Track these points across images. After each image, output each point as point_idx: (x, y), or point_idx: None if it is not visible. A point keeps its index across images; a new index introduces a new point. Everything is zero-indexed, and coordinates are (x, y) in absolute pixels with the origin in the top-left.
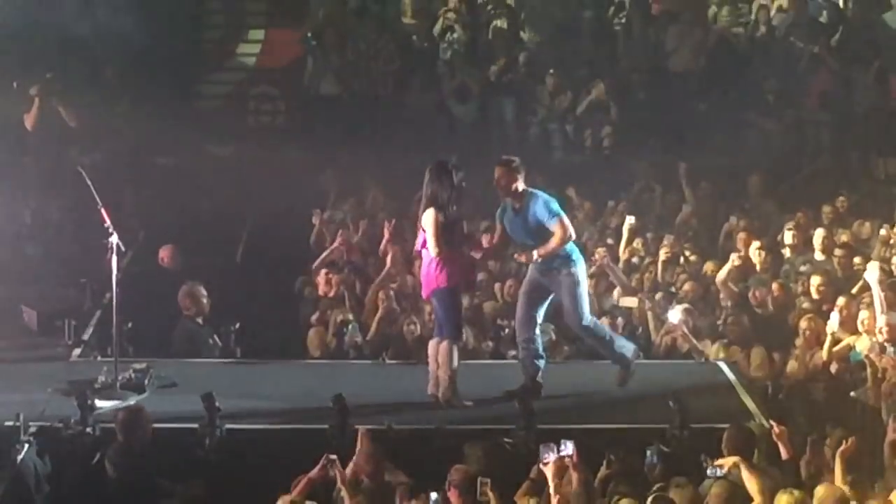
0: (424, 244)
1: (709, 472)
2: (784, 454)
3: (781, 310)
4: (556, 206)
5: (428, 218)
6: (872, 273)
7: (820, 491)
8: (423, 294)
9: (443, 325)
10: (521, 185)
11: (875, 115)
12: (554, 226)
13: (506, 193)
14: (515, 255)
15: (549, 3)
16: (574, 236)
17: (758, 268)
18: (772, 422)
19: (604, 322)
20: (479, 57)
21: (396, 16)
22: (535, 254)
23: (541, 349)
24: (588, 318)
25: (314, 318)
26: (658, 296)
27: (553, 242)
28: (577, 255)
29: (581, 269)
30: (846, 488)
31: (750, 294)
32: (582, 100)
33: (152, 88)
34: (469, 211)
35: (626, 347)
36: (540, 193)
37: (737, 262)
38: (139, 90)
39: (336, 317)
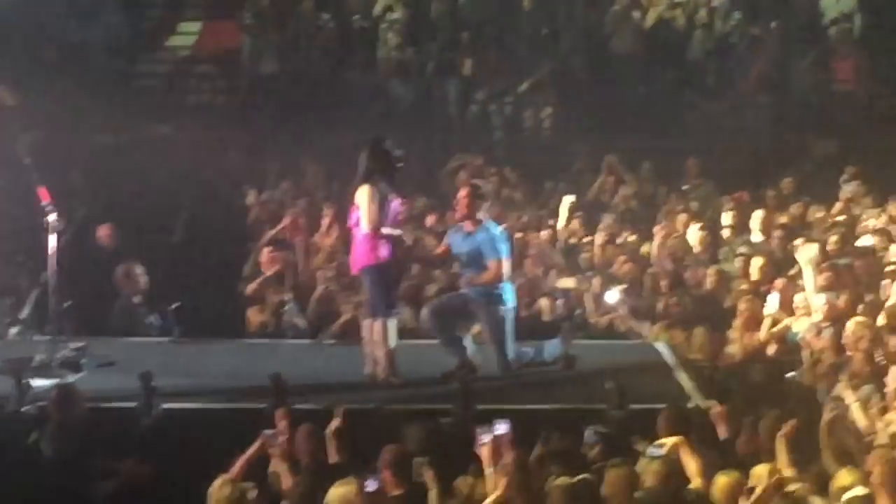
0: (358, 221)
1: (649, 451)
2: (722, 434)
3: (718, 291)
4: (502, 246)
5: (362, 194)
6: (805, 253)
7: (757, 471)
8: (353, 270)
9: (375, 303)
10: (481, 214)
11: (814, 98)
12: (491, 263)
13: (464, 216)
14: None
15: None
16: (505, 278)
17: (696, 249)
18: (712, 401)
19: (544, 303)
20: (419, 36)
21: None
22: (462, 282)
23: (465, 341)
24: (510, 357)
25: (251, 290)
26: (596, 277)
27: (483, 277)
28: (509, 296)
29: (509, 313)
30: (789, 471)
31: (686, 275)
32: (523, 81)
33: (91, 68)
34: (409, 190)
35: (554, 346)
36: (493, 227)
37: (663, 239)
38: (78, 69)
39: (275, 296)
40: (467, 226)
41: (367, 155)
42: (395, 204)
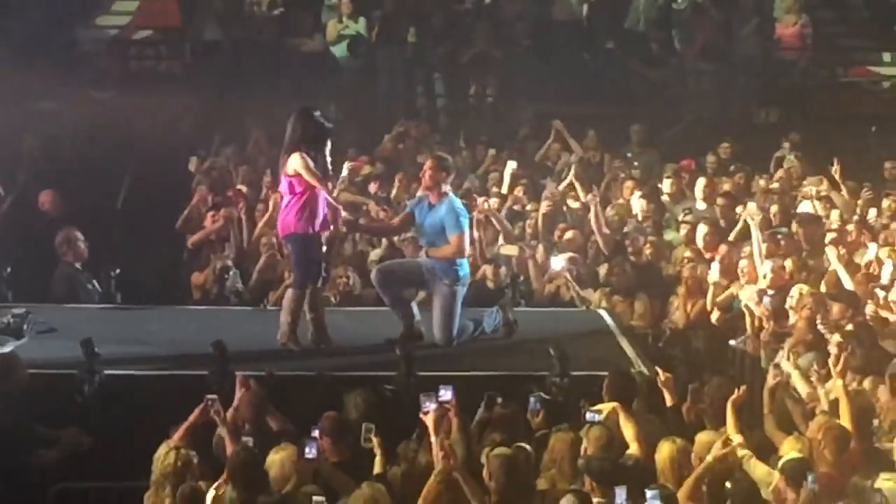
0: (289, 188)
1: (587, 416)
2: (668, 401)
3: (659, 259)
4: (464, 220)
5: (295, 162)
6: (752, 213)
7: (701, 438)
8: (280, 235)
9: (293, 270)
10: (446, 187)
11: (757, 65)
12: (453, 237)
13: (429, 187)
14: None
15: None
16: (466, 254)
17: (639, 216)
18: (657, 368)
19: (486, 270)
20: (365, 3)
21: None
22: (422, 253)
23: (415, 308)
24: (455, 333)
25: (193, 242)
26: (540, 244)
27: (443, 251)
28: (464, 273)
29: (461, 288)
30: (738, 436)
31: (627, 242)
32: (465, 49)
33: (32, 33)
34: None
35: (492, 318)
36: (456, 201)
37: (601, 205)
38: (20, 35)
39: (217, 263)
40: (432, 197)
41: (295, 123)
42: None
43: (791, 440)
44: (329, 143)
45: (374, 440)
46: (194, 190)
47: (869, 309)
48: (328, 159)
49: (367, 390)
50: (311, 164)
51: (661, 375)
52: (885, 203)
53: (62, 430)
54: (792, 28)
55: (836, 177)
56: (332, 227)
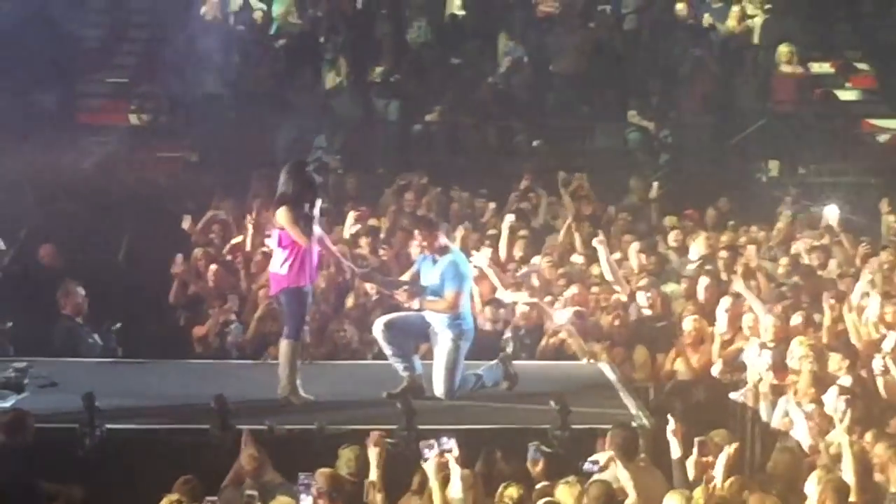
0: (279, 242)
1: (585, 466)
2: (676, 453)
3: (664, 312)
4: (464, 277)
5: (281, 215)
6: (739, 284)
7: (697, 494)
8: (271, 291)
9: (287, 323)
10: (441, 241)
11: (757, 119)
12: (448, 292)
13: (430, 250)
14: (396, 293)
15: (430, 3)
16: (459, 311)
17: (636, 270)
18: (670, 417)
19: (486, 310)
20: (363, 57)
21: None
22: (416, 303)
23: (416, 361)
24: (456, 387)
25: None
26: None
27: (437, 304)
28: (468, 327)
29: (465, 343)
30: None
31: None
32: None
33: (33, 86)
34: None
35: (493, 371)
36: (457, 256)
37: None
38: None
39: (220, 316)
40: (435, 255)
41: (285, 177)
42: (318, 228)
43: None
44: (318, 200)
45: (378, 497)
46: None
47: (878, 364)
48: (316, 214)
49: (360, 446)
50: (295, 215)
51: (674, 426)
52: (884, 256)
53: (63, 484)
54: (790, 79)
55: (836, 228)
56: (340, 279)
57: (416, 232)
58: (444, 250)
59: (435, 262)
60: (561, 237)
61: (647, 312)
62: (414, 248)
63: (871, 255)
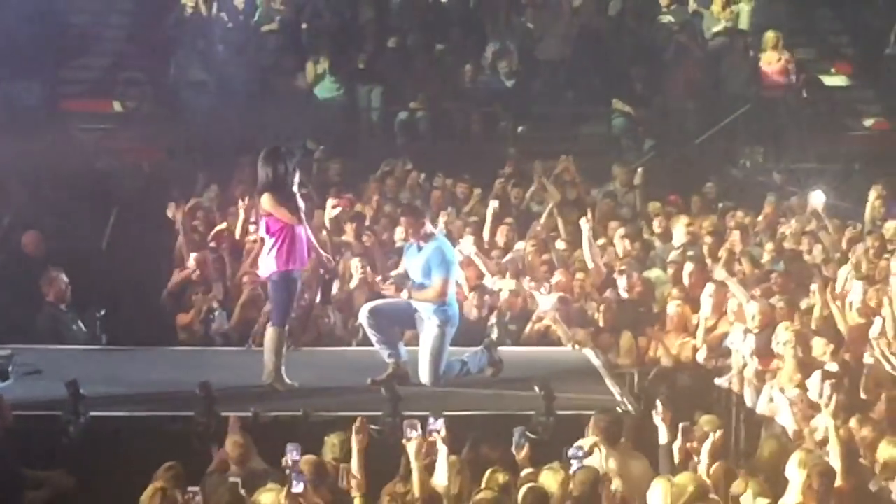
0: (268, 230)
1: (570, 452)
2: (663, 439)
3: (646, 297)
4: (450, 262)
5: (265, 201)
6: (720, 272)
7: (680, 479)
8: (261, 278)
9: (273, 310)
10: (428, 228)
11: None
12: (436, 280)
13: (415, 238)
14: (385, 284)
15: None
16: (447, 297)
17: (620, 255)
18: (658, 402)
19: (471, 296)
20: (347, 43)
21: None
22: (405, 292)
23: (401, 348)
24: (441, 374)
25: (172, 285)
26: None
27: (425, 294)
28: (453, 313)
29: (451, 329)
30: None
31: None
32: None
33: (16, 73)
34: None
35: (478, 358)
36: (442, 242)
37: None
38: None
39: (203, 304)
40: (420, 241)
41: (263, 164)
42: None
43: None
44: (297, 178)
45: (353, 482)
46: (178, 232)
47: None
48: (297, 195)
49: (345, 432)
50: (279, 199)
51: (662, 411)
52: (869, 241)
53: (48, 471)
54: (776, 65)
55: (821, 213)
56: (321, 270)
57: (402, 219)
58: (429, 237)
59: (420, 249)
60: (543, 221)
61: (625, 296)
62: (398, 234)
63: (857, 241)
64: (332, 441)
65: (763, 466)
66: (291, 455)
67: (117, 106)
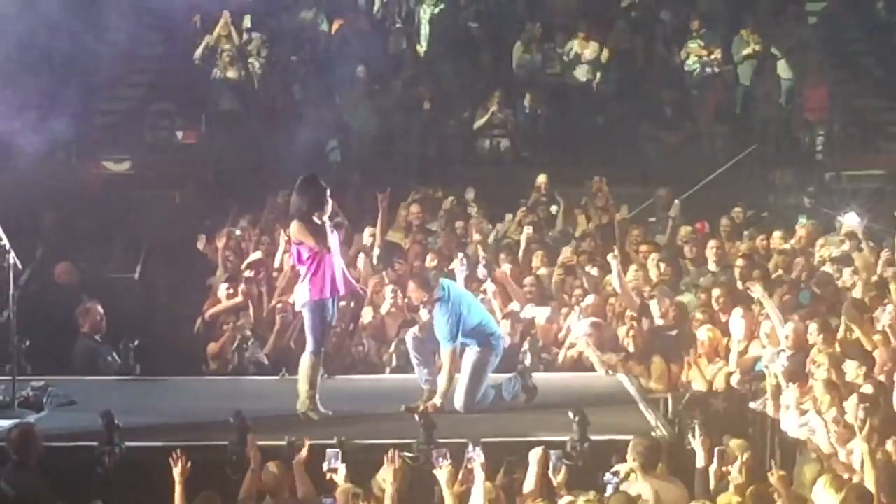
0: (300, 259)
1: (605, 478)
2: (701, 462)
3: (681, 322)
4: (453, 327)
5: (295, 229)
6: (757, 291)
7: (722, 501)
8: (296, 308)
9: (308, 338)
10: (434, 297)
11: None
12: (445, 352)
13: (424, 306)
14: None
15: (442, 15)
16: (458, 370)
17: (654, 280)
18: (695, 426)
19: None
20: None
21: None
22: (437, 402)
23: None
24: (476, 401)
25: (208, 314)
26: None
27: (443, 380)
28: (497, 334)
29: (495, 359)
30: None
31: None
32: (479, 112)
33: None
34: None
35: (511, 385)
36: (441, 308)
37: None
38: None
39: (236, 333)
40: (429, 308)
41: (298, 192)
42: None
43: None
44: (329, 208)
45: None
46: (213, 263)
47: None
48: (328, 224)
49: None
50: (309, 226)
51: (700, 435)
52: None
53: (84, 503)
54: (816, 89)
55: (860, 236)
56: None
57: (410, 284)
58: (433, 302)
59: (429, 313)
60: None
61: (660, 322)
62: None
63: (891, 263)
64: (382, 476)
65: (807, 491)
66: (331, 462)
67: (148, 137)
